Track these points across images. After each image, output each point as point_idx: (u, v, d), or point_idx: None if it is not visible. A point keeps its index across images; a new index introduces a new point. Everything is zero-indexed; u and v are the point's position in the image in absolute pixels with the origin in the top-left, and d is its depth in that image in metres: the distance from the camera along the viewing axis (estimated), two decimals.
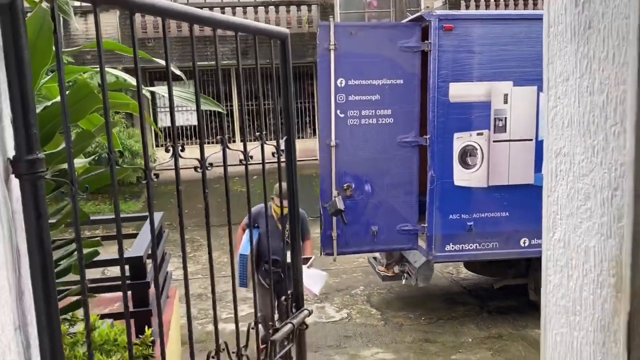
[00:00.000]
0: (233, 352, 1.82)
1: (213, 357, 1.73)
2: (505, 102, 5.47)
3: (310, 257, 4.94)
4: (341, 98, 5.42)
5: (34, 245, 1.16)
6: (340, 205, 5.51)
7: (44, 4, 1.24)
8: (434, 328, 6.12)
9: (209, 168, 1.71)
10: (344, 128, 5.50)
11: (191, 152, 1.59)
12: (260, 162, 2.02)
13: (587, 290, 1.30)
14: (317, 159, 12.47)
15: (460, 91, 5.40)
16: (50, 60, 1.37)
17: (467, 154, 5.55)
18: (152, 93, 2.11)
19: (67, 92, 1.32)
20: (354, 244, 5.77)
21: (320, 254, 5.89)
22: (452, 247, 5.74)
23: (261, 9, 14.58)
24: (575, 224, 1.32)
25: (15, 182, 1.16)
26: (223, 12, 13.99)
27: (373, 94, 5.45)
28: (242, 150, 1.89)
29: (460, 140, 5.52)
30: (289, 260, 3.84)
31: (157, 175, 1.50)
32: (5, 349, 1.07)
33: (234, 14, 14.06)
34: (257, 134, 1.98)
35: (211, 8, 13.91)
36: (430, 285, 7.24)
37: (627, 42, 1.12)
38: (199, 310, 6.91)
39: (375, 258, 7.05)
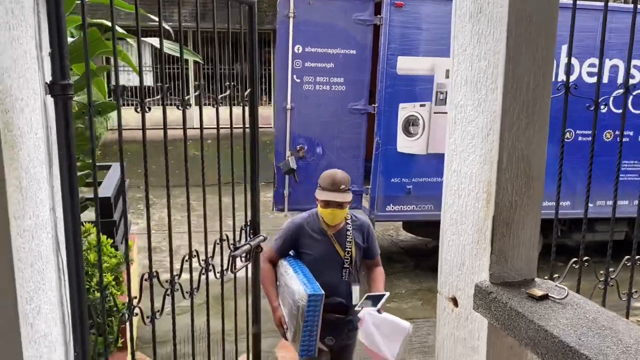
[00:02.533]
0: (203, 260, 2.25)
1: (186, 261, 2.15)
2: (447, 77, 5.99)
3: (384, 295, 2.89)
4: (298, 64, 5.81)
5: (63, 150, 1.54)
6: (293, 164, 5.96)
7: None
8: None
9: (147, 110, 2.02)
10: (299, 92, 5.90)
11: (153, 111, 1.89)
12: (218, 127, 2.35)
13: (469, 205, 1.80)
14: (271, 127, 12.69)
15: (407, 64, 5.88)
16: (71, 8, 1.72)
17: (410, 123, 6.07)
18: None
19: (76, 39, 1.68)
20: (304, 202, 6.22)
21: (273, 209, 6.34)
22: (393, 208, 6.31)
23: None
24: (465, 157, 1.81)
25: (50, 101, 1.53)
26: None
27: (328, 61, 5.87)
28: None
29: (404, 110, 6.03)
30: (358, 303, 2.75)
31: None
32: (45, 222, 1.46)
33: None
34: (225, 93, 2.36)
35: None
36: None
37: (501, 24, 1.59)
38: (153, 262, 7.25)
39: None
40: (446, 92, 6.06)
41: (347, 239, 3.01)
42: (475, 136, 1.74)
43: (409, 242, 8.18)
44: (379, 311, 2.74)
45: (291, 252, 3.03)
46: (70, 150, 1.55)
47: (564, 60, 6.18)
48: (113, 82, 1.73)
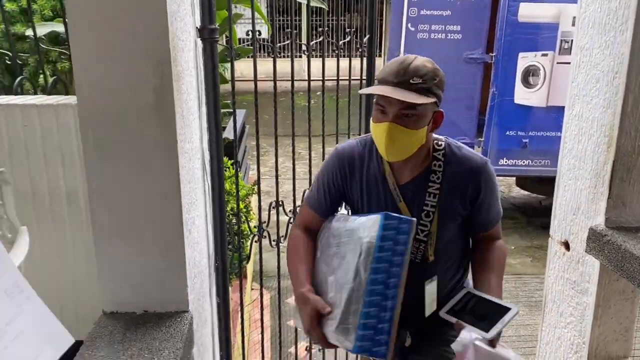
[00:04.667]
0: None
1: (273, 208, 2.32)
2: (574, 24, 5.61)
3: (508, 310, 1.41)
4: (413, 12, 5.74)
5: (210, 87, 1.76)
6: None
7: None
8: None
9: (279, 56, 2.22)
10: (413, 41, 5.85)
11: (262, 64, 2.03)
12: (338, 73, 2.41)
13: (589, 150, 1.80)
14: None
15: (529, 11, 5.58)
16: None
17: (530, 73, 5.81)
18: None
19: None
20: None
21: None
22: (506, 162, 6.15)
23: None
24: (587, 101, 1.80)
25: (199, 44, 1.74)
26: None
27: (444, 9, 5.73)
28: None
29: (524, 60, 5.77)
30: (443, 310, 1.49)
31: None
32: (197, 149, 1.70)
33: None
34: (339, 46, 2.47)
35: None
36: None
37: None
38: (266, 204, 7.75)
39: None
40: (571, 41, 5.68)
41: (428, 197, 1.57)
42: (600, 80, 1.72)
43: (521, 200, 7.94)
44: (491, 343, 1.36)
45: (341, 210, 1.73)
46: (216, 88, 1.77)
47: None
48: (242, 33, 1.92)
